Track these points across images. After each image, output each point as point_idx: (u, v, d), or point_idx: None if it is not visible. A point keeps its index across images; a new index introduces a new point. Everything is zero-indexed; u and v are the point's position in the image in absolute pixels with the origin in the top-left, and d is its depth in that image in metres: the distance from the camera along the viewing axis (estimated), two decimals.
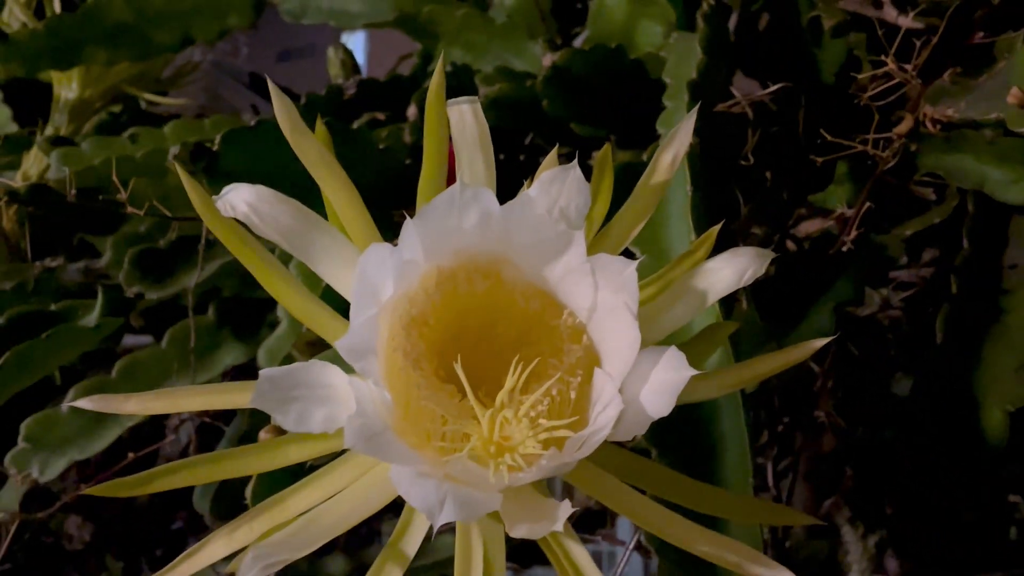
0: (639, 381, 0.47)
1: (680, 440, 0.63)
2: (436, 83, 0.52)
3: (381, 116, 1.14)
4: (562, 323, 0.50)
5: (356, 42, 3.32)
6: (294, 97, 1.25)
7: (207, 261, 0.94)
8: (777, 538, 0.93)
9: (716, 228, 0.53)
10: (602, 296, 0.48)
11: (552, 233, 0.48)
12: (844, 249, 0.81)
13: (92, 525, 1.44)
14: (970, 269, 0.84)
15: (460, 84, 1.14)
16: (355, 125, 1.08)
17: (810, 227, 1.08)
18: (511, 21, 1.26)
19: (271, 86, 0.51)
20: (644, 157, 0.91)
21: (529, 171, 0.85)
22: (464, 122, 0.52)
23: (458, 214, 0.47)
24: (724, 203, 0.85)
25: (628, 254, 0.73)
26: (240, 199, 0.50)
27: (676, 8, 1.03)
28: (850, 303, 0.84)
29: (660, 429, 0.63)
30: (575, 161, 0.48)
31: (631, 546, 0.82)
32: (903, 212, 0.92)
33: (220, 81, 2.54)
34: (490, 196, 0.47)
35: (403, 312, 0.49)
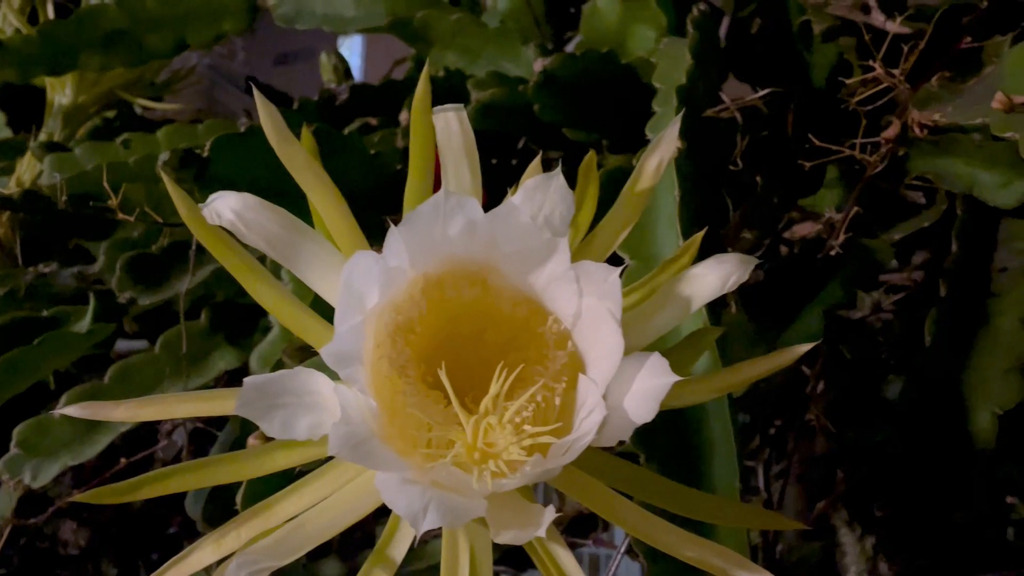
0: (623, 387, 0.47)
1: (669, 445, 0.64)
2: (421, 91, 0.52)
3: (374, 121, 1.14)
4: (547, 330, 0.50)
5: (354, 45, 3.32)
6: (290, 101, 1.25)
7: (200, 266, 0.94)
8: (769, 541, 0.93)
9: (700, 235, 0.53)
10: (586, 303, 0.49)
11: (537, 241, 0.48)
12: (832, 253, 0.81)
13: (87, 530, 1.44)
14: (960, 272, 0.84)
15: (453, 89, 1.14)
16: (347, 130, 1.08)
17: (804, 230, 1.09)
18: (504, 26, 1.27)
19: (256, 94, 0.51)
20: (634, 162, 0.92)
21: (520, 175, 0.85)
22: (450, 129, 0.53)
23: (443, 222, 0.48)
24: (714, 208, 0.85)
25: (618, 259, 0.73)
26: (226, 207, 0.50)
27: (667, 13, 1.04)
28: (840, 307, 0.84)
29: (649, 433, 0.63)
30: (558, 169, 0.48)
31: (622, 550, 0.82)
32: (893, 215, 0.92)
33: (216, 85, 2.54)
34: (474, 204, 0.48)
35: (389, 319, 0.49)
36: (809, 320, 0.80)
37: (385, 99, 1.18)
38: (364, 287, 0.47)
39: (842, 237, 0.79)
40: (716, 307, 0.80)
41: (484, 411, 0.47)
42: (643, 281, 0.54)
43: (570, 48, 1.33)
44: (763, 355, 0.55)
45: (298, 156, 0.52)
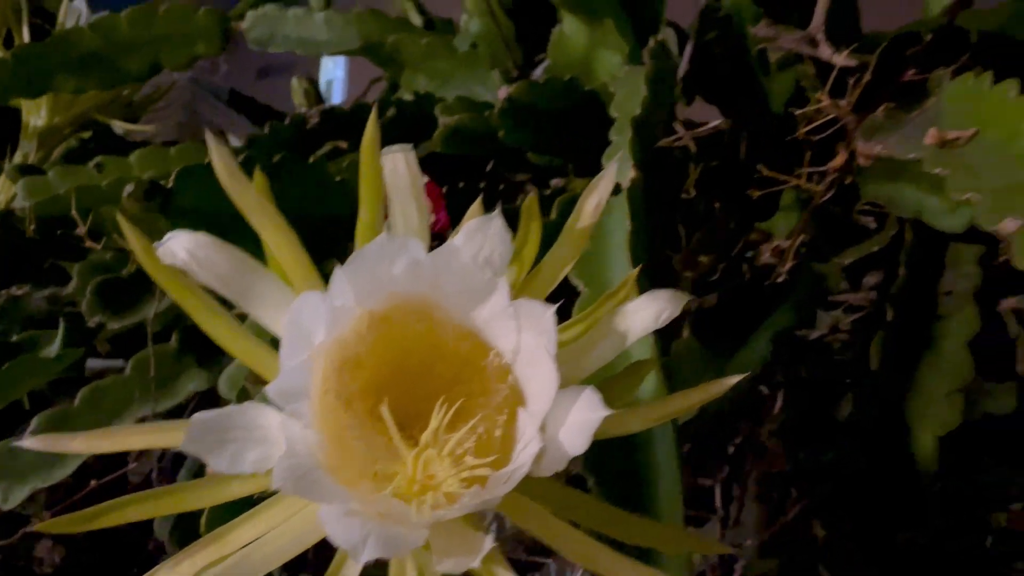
0: (559, 420, 0.49)
1: (615, 471, 0.66)
2: (370, 133, 0.55)
3: (344, 144, 1.16)
4: (489, 363, 0.52)
5: (338, 59, 3.34)
6: (272, 114, 1.27)
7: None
8: (725, 559, 0.95)
9: (636, 271, 0.55)
10: (525, 338, 0.51)
11: (478, 280, 0.51)
12: (780, 280, 0.84)
13: (63, 548, 1.45)
14: (907, 296, 0.87)
15: (422, 113, 1.16)
16: (313, 157, 1.10)
17: (769, 249, 1.11)
18: (474, 50, 1.29)
19: (208, 136, 0.53)
20: None
21: (488, 198, 0.87)
22: (397, 171, 0.55)
23: (388, 262, 0.50)
24: (669, 235, 0.88)
25: (571, 288, 0.75)
26: (180, 246, 0.52)
27: (628, 42, 1.06)
28: (791, 330, 0.87)
29: (597, 460, 0.66)
30: (498, 211, 0.51)
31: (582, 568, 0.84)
32: (846, 240, 0.95)
33: (199, 99, 2.55)
34: (418, 245, 0.50)
35: (336, 355, 0.51)
36: (758, 345, 0.83)
37: (356, 122, 1.20)
38: (311, 325, 0.49)
39: (789, 263, 0.82)
40: (669, 333, 0.83)
41: (424, 444, 0.49)
42: (585, 314, 0.57)
43: (539, 72, 1.35)
44: (712, 380, 0.58)
45: (248, 196, 0.54)
